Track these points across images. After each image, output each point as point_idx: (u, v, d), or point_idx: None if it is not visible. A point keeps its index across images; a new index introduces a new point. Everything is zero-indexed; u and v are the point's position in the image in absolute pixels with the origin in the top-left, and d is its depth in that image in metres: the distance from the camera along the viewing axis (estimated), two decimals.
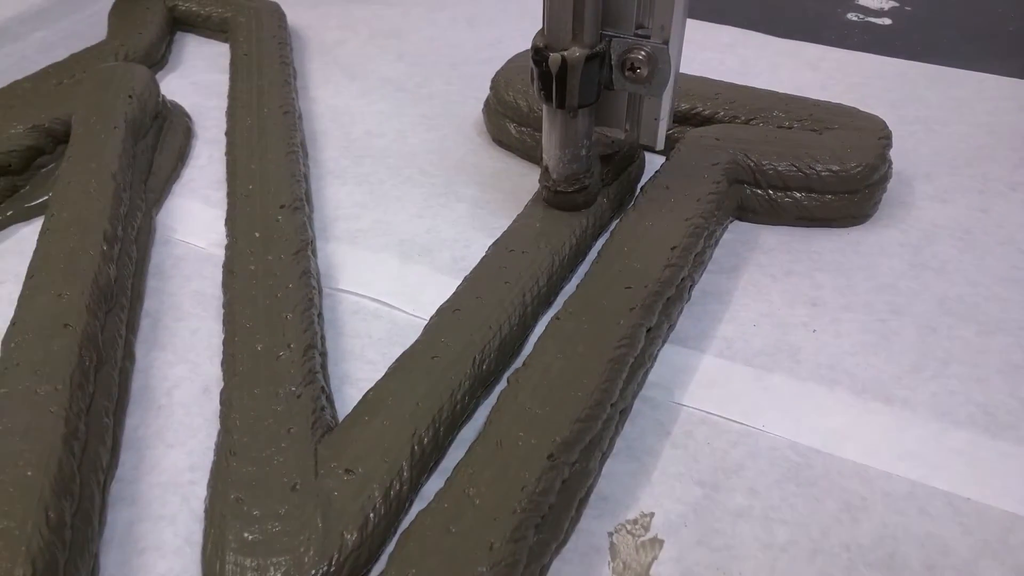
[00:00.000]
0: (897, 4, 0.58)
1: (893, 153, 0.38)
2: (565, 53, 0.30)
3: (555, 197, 0.35)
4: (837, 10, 0.58)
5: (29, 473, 0.23)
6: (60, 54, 0.48)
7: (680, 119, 0.41)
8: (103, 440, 0.27)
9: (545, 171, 0.35)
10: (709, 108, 0.40)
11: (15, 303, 0.32)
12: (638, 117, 0.34)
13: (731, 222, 0.37)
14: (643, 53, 0.31)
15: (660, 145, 0.34)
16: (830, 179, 0.36)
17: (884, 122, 0.38)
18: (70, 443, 0.25)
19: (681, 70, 0.43)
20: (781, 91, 0.41)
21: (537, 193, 0.36)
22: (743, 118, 0.40)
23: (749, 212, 0.37)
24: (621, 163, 0.37)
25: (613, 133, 0.35)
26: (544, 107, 0.33)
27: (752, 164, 0.36)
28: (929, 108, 0.46)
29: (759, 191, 0.37)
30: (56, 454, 0.24)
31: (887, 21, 0.56)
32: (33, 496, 0.23)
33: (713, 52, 0.52)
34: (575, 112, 0.32)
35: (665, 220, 0.33)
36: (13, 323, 0.29)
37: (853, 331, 0.32)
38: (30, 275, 0.31)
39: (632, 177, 0.38)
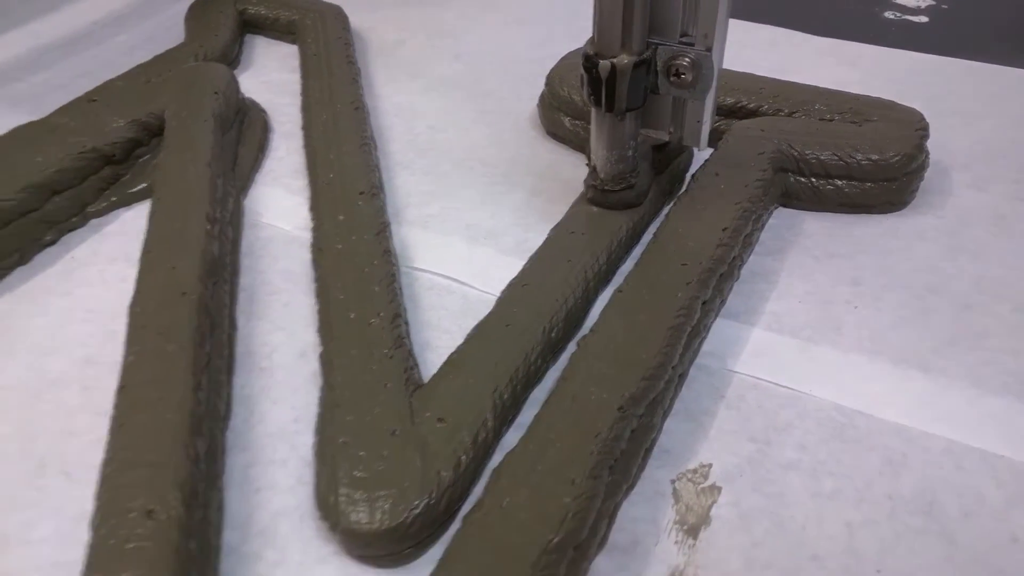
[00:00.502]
0: (934, 2, 0.61)
1: (930, 144, 0.40)
2: (614, 60, 0.32)
3: (602, 196, 0.37)
4: (874, 9, 0.60)
5: (168, 416, 0.27)
6: (142, 55, 0.51)
7: (726, 112, 0.43)
8: (219, 394, 0.30)
9: (592, 171, 0.37)
10: (754, 102, 0.43)
11: (125, 277, 0.36)
12: (682, 119, 0.36)
13: (776, 208, 0.40)
14: (687, 59, 0.33)
15: (704, 146, 0.36)
16: (870, 167, 0.38)
17: (921, 114, 0.40)
18: (196, 393, 0.28)
19: (724, 66, 0.46)
20: (821, 86, 0.44)
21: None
22: (786, 111, 0.42)
23: (793, 199, 0.40)
24: (671, 153, 0.40)
25: (658, 135, 0.37)
26: (593, 111, 0.35)
27: (796, 153, 0.39)
28: (965, 102, 0.48)
29: (802, 179, 0.39)
30: (188, 401, 0.27)
31: (924, 19, 0.59)
32: (174, 435, 0.26)
33: (755, 50, 0.54)
34: (623, 115, 0.34)
35: (716, 204, 0.36)
36: (137, 291, 0.32)
37: (892, 308, 0.35)
38: (147, 250, 0.34)
39: (682, 167, 0.41)
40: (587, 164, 0.37)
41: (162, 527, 0.24)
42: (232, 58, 0.53)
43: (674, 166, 0.40)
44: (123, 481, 0.25)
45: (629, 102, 0.33)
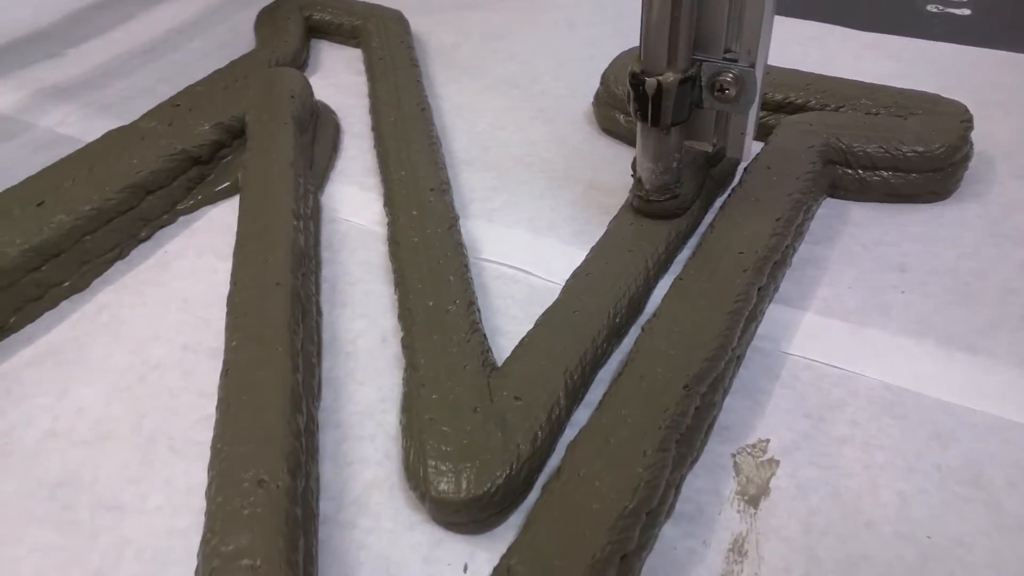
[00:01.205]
0: None
1: (974, 135, 0.42)
2: (660, 78, 0.33)
3: (647, 206, 0.38)
4: (917, 2, 0.61)
5: (271, 395, 0.30)
6: (215, 60, 0.54)
7: (775, 108, 0.45)
8: (312, 374, 0.33)
9: (638, 182, 0.38)
10: (801, 97, 0.45)
11: (215, 269, 0.39)
12: (725, 132, 0.37)
13: (824, 199, 0.42)
14: (731, 75, 0.34)
15: (747, 158, 0.38)
16: (915, 159, 0.40)
17: (966, 107, 0.42)
18: (295, 374, 0.31)
19: (770, 62, 0.48)
20: (866, 81, 0.46)
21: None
22: (833, 106, 0.44)
23: (841, 190, 0.42)
24: (717, 161, 0.42)
25: (702, 147, 0.38)
26: (639, 124, 0.36)
27: (843, 146, 0.41)
28: (1008, 93, 0.49)
29: (850, 171, 0.41)
30: (288, 380, 0.30)
31: (967, 12, 0.60)
32: (278, 411, 0.29)
33: (798, 46, 0.56)
34: (668, 129, 0.35)
35: (769, 195, 0.38)
36: (234, 283, 0.35)
37: (939, 292, 0.36)
38: (239, 245, 0.37)
39: (734, 161, 0.43)
40: (632, 175, 0.39)
41: (273, 495, 0.27)
42: (301, 63, 0.56)
43: (727, 161, 0.42)
44: (235, 454, 0.28)
45: (674, 117, 0.34)
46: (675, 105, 0.34)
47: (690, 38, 0.33)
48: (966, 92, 0.48)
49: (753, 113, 0.36)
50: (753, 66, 0.33)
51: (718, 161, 0.41)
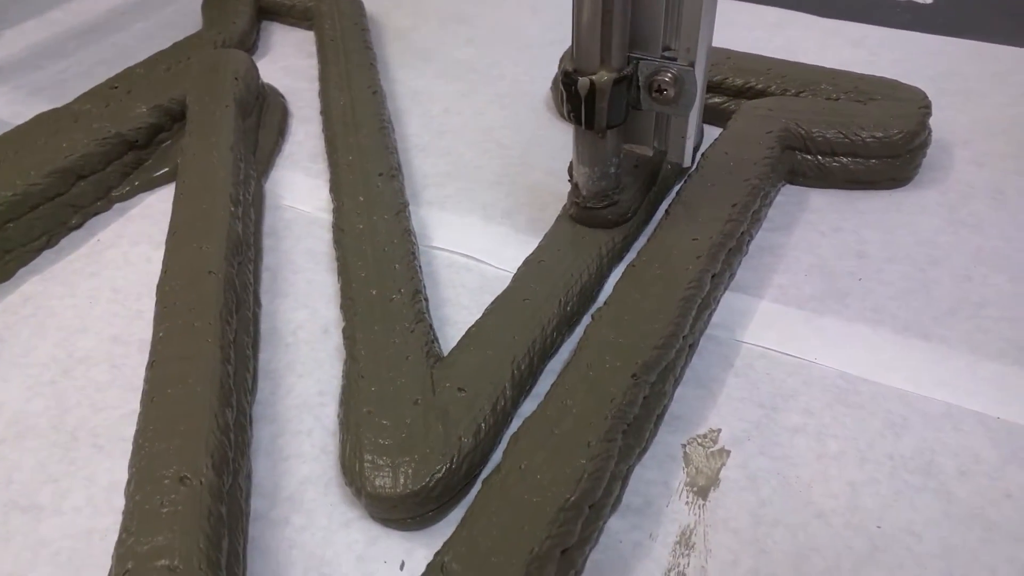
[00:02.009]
0: None
1: (933, 122, 0.41)
2: (593, 77, 0.31)
3: (584, 213, 0.36)
4: None
5: (198, 388, 0.28)
6: (159, 43, 0.53)
7: (735, 93, 0.44)
8: (247, 367, 0.31)
9: (575, 188, 0.36)
10: (762, 82, 0.44)
11: (149, 259, 0.38)
12: (666, 134, 0.35)
13: (783, 186, 0.41)
14: (670, 75, 0.31)
15: (688, 162, 0.36)
16: (874, 145, 0.39)
17: (924, 93, 0.41)
18: (225, 366, 0.29)
19: (732, 47, 0.47)
20: (827, 67, 0.45)
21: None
22: (793, 91, 0.43)
23: (799, 176, 0.41)
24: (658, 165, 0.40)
25: (641, 150, 0.36)
26: (573, 127, 0.34)
27: (803, 132, 0.40)
28: (968, 81, 0.49)
29: (809, 156, 0.40)
30: (217, 373, 0.29)
31: (929, 0, 0.59)
32: (204, 405, 0.27)
33: (761, 31, 0.55)
34: (604, 132, 0.33)
35: (725, 181, 0.37)
36: (164, 271, 0.33)
37: (896, 279, 0.36)
38: (172, 231, 0.35)
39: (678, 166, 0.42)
40: (569, 180, 0.37)
41: (195, 492, 0.25)
42: (250, 45, 0.54)
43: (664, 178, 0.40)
44: (157, 450, 0.27)
45: (609, 119, 0.32)
46: (610, 106, 0.31)
47: (625, 34, 0.31)
48: (927, 80, 0.47)
49: (694, 115, 0.34)
50: (693, 65, 0.31)
51: (660, 166, 0.39)
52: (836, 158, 0.40)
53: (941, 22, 0.56)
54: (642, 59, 0.32)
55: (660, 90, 0.32)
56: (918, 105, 0.41)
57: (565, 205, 0.38)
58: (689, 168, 0.38)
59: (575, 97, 0.31)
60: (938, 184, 0.41)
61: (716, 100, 0.45)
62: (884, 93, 0.42)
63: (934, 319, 0.34)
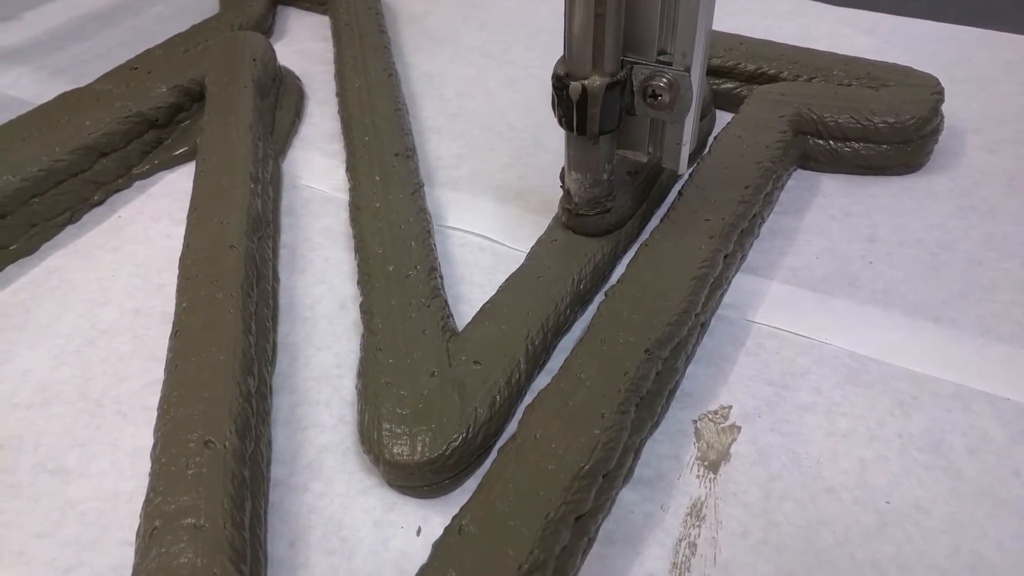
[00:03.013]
0: None
1: (945, 109, 0.42)
2: (585, 82, 0.29)
3: (576, 220, 0.35)
4: None
5: (221, 357, 0.29)
6: (177, 26, 0.53)
7: (747, 78, 0.45)
8: (267, 339, 0.32)
9: (566, 194, 0.35)
10: (774, 68, 0.44)
11: (169, 235, 0.38)
12: (661, 140, 0.34)
13: (795, 170, 0.41)
14: (665, 80, 0.30)
15: (683, 169, 0.34)
16: (886, 130, 0.40)
17: (937, 79, 0.41)
18: (247, 336, 0.30)
19: (746, 34, 0.47)
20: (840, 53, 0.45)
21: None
22: (805, 77, 0.44)
23: (811, 161, 0.41)
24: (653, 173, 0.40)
25: (636, 156, 0.35)
26: (565, 133, 0.32)
27: (815, 117, 0.40)
28: (980, 69, 0.49)
29: (820, 141, 0.41)
30: (239, 342, 0.29)
31: None
32: (227, 373, 0.28)
33: (774, 20, 0.55)
34: (596, 139, 0.32)
35: (738, 163, 0.37)
36: (187, 244, 0.34)
37: (906, 263, 0.36)
38: (193, 207, 0.36)
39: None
40: (561, 186, 0.36)
41: (219, 455, 0.26)
42: (266, 28, 0.55)
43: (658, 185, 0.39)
44: (181, 415, 0.27)
45: (602, 125, 0.30)
46: (603, 112, 0.30)
47: (619, 37, 0.29)
48: (939, 68, 0.47)
49: (690, 121, 0.32)
50: (688, 70, 0.30)
51: (656, 173, 0.38)
52: (848, 143, 0.41)
53: (952, 10, 0.56)
54: (636, 63, 0.30)
55: (655, 95, 0.30)
56: (930, 91, 0.41)
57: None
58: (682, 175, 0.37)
59: (567, 102, 0.30)
60: (949, 170, 0.41)
61: (728, 85, 0.45)
62: (896, 79, 0.42)
63: (944, 302, 0.34)
